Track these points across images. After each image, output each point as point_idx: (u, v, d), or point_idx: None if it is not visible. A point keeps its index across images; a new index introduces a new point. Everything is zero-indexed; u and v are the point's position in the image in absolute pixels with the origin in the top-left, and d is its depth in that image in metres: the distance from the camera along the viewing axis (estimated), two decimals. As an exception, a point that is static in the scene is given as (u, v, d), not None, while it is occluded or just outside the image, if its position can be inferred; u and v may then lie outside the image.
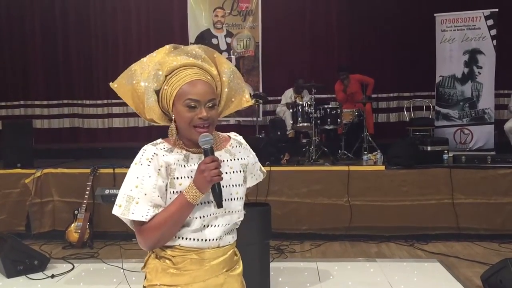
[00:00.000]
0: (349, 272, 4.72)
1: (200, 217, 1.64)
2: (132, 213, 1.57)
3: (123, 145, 8.14)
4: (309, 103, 6.84)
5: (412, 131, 7.93)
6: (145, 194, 1.58)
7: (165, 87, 1.62)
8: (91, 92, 9.15)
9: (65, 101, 9.19)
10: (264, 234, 3.92)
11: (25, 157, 6.14)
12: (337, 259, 5.15)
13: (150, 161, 1.60)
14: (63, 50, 9.14)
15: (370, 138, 6.96)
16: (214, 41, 8.28)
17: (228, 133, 1.83)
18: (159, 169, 1.60)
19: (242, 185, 1.74)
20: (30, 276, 4.62)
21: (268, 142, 6.51)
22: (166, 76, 1.62)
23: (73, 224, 5.59)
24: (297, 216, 5.76)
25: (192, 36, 8.37)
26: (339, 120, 6.89)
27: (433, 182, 5.72)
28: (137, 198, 1.58)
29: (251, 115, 8.05)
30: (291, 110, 7.10)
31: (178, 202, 1.58)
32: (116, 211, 1.60)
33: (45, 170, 5.99)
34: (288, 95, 8.09)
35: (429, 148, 6.21)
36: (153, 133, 8.32)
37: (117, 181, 5.75)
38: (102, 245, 5.65)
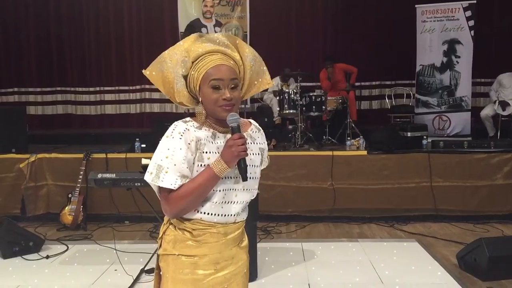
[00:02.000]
0: (332, 251, 4.82)
1: (222, 190, 1.72)
2: (162, 181, 1.65)
3: (115, 131, 8.20)
4: (295, 90, 6.91)
5: (393, 118, 8.06)
6: (175, 165, 1.66)
7: (192, 72, 1.71)
8: (84, 80, 9.14)
9: (58, 88, 9.19)
10: (251, 216, 3.92)
11: (19, 142, 6.14)
12: (321, 239, 5.24)
13: (181, 135, 1.68)
14: (56, 38, 9.12)
15: (353, 125, 7.10)
16: (204, 30, 8.16)
17: (248, 119, 1.93)
18: (189, 143, 1.68)
19: (258, 166, 1.84)
20: (26, 257, 4.67)
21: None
22: (192, 62, 1.70)
23: (67, 207, 5.63)
24: (283, 199, 5.85)
25: (182, 26, 8.26)
26: (323, 107, 7.00)
27: (412, 166, 5.82)
28: (166, 167, 1.66)
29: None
30: (277, 98, 7.16)
31: (206, 174, 1.67)
32: (147, 177, 1.69)
33: (39, 155, 5.99)
34: (275, 83, 8.01)
35: (409, 134, 6.32)
36: (145, 119, 8.39)
37: (109, 166, 5.79)
38: (95, 227, 5.70)
